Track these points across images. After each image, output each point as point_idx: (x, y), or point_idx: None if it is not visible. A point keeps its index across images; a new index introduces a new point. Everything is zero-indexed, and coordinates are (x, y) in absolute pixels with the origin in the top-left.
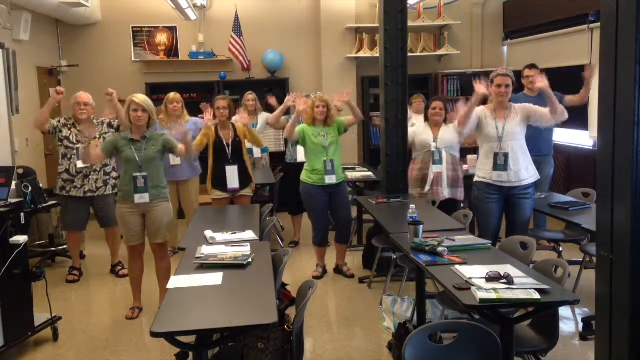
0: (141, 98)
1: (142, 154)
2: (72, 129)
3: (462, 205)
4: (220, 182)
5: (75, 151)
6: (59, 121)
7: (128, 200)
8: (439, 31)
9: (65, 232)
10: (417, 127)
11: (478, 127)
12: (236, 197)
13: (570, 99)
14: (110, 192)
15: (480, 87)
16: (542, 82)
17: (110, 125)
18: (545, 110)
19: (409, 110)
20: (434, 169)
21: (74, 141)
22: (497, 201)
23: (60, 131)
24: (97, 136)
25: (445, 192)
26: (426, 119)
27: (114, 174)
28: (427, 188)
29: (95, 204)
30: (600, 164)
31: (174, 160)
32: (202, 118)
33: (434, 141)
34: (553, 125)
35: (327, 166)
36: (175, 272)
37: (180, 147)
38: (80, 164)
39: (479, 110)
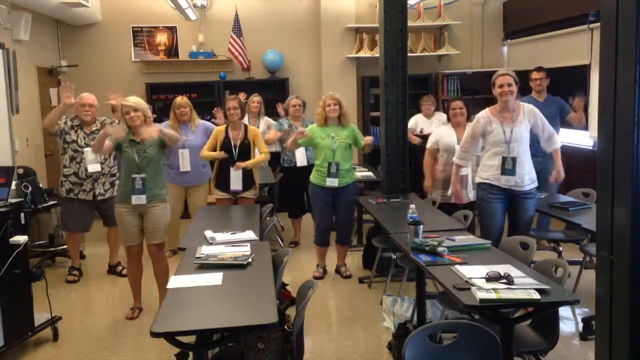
0: (130, 100)
1: (142, 155)
2: (78, 132)
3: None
4: (223, 182)
5: (84, 154)
6: (65, 123)
7: (126, 201)
8: (439, 31)
9: (65, 232)
10: (441, 130)
11: (483, 136)
12: (239, 199)
13: (571, 116)
14: (116, 194)
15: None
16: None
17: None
18: (543, 134)
19: (420, 116)
20: (461, 171)
21: (82, 144)
22: (500, 201)
23: (67, 133)
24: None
25: (470, 195)
26: (448, 120)
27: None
28: (450, 191)
29: (104, 206)
30: (600, 164)
31: (184, 166)
32: (211, 121)
33: (458, 143)
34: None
35: (331, 169)
36: (175, 272)
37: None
38: (90, 168)
39: (483, 116)
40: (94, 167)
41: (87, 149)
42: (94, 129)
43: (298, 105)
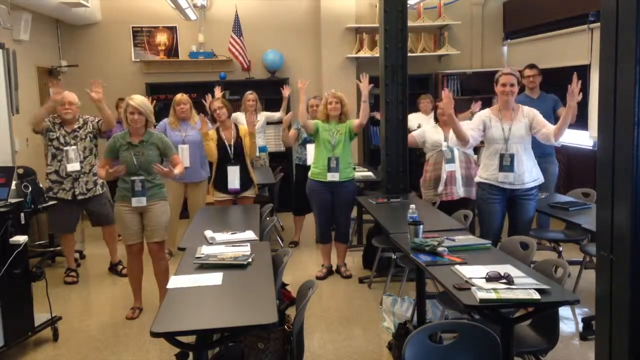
0: (137, 100)
1: (140, 158)
2: (60, 130)
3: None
4: (222, 183)
5: (64, 153)
6: (49, 120)
7: (125, 200)
8: (439, 31)
9: (58, 234)
10: (427, 128)
11: (484, 131)
12: (239, 199)
13: (559, 111)
14: (102, 191)
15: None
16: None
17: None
18: (544, 127)
19: (419, 113)
20: (446, 168)
21: (63, 142)
22: (500, 202)
23: (51, 131)
24: (84, 137)
25: (460, 191)
26: (436, 120)
27: None
28: (440, 188)
29: (89, 206)
30: (600, 164)
31: (183, 162)
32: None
33: (445, 140)
34: (545, 142)
35: (330, 163)
36: (175, 272)
37: (176, 163)
38: (70, 167)
39: (483, 114)
40: (72, 167)
41: (69, 148)
42: (75, 127)
43: (316, 106)
